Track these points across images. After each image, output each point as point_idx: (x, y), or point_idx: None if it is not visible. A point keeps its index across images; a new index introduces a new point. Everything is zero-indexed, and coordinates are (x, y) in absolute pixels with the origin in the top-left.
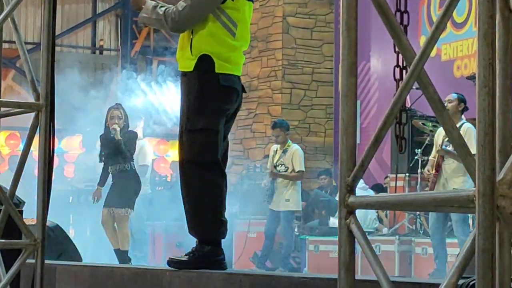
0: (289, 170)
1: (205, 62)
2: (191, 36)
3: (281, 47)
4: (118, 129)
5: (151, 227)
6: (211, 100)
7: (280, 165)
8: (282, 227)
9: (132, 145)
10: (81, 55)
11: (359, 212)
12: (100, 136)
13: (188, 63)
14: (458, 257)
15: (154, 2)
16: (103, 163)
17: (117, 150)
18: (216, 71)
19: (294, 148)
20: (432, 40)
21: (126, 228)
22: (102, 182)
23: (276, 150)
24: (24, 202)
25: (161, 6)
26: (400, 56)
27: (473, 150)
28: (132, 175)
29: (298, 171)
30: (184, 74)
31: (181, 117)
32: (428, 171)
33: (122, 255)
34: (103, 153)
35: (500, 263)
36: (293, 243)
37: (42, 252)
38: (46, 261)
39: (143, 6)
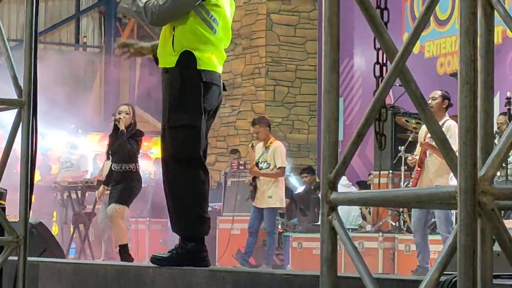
0: (271, 167)
1: (187, 58)
2: (173, 33)
3: (264, 44)
4: (123, 120)
5: (134, 224)
6: (193, 97)
7: (262, 162)
8: (265, 224)
9: (137, 142)
10: (64, 52)
11: (342, 209)
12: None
13: (169, 59)
14: (440, 254)
15: None
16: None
17: (120, 144)
18: (198, 67)
19: (276, 144)
20: (415, 36)
21: (120, 223)
22: (107, 181)
23: (252, 146)
24: (6, 190)
25: None
26: (381, 53)
27: (456, 147)
28: (136, 176)
29: (279, 168)
30: (166, 71)
31: (163, 114)
32: (413, 157)
33: (123, 249)
34: (110, 151)
35: (482, 259)
36: (276, 240)
37: (25, 249)
38: (29, 258)
39: None
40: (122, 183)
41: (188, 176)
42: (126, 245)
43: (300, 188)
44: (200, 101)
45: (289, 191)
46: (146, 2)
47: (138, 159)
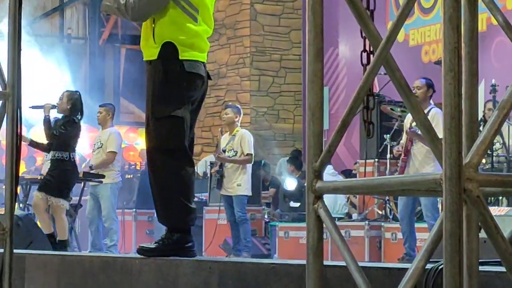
0: (238, 155)
1: (168, 49)
2: (153, 25)
3: (249, 34)
4: (49, 106)
5: (121, 216)
6: (176, 87)
7: (229, 151)
8: (236, 212)
9: (65, 129)
10: (49, 44)
11: (328, 198)
12: None
13: (151, 52)
14: (426, 241)
15: None
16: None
17: (47, 131)
18: (180, 57)
19: (242, 132)
20: (398, 24)
21: (62, 219)
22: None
23: (221, 131)
24: None
25: None
26: (367, 40)
27: (441, 135)
28: (69, 165)
29: (246, 154)
30: (149, 63)
31: (147, 105)
32: (398, 150)
33: (62, 244)
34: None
35: (468, 246)
36: (249, 227)
37: (11, 241)
38: (15, 250)
39: None
40: (56, 173)
41: (173, 167)
42: (66, 240)
43: (290, 183)
44: (183, 92)
45: (275, 180)
46: None
47: (74, 148)
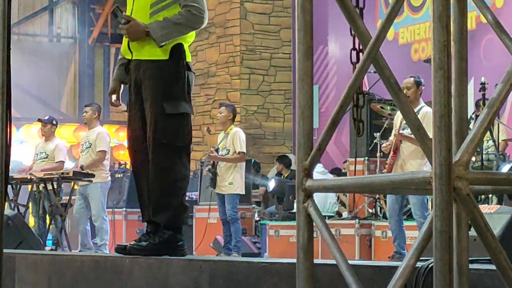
0: (231, 153)
1: (178, 50)
2: None
3: (239, 33)
4: None
5: (111, 215)
6: (184, 85)
7: (222, 149)
8: (227, 210)
9: None
10: (38, 43)
11: (319, 196)
12: None
13: (159, 51)
14: (416, 240)
15: (152, 23)
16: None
17: None
18: (187, 59)
19: (235, 130)
20: (388, 23)
21: None
22: None
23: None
24: None
25: (164, 18)
26: (357, 38)
27: (431, 134)
28: None
29: (239, 153)
30: (153, 62)
31: (153, 102)
32: (385, 146)
33: None
34: None
35: (458, 244)
36: (240, 226)
37: (1, 241)
38: (5, 250)
39: (146, 30)
40: None
41: (178, 164)
42: None
43: (271, 183)
44: (189, 89)
45: (265, 179)
46: (178, 13)
47: None
